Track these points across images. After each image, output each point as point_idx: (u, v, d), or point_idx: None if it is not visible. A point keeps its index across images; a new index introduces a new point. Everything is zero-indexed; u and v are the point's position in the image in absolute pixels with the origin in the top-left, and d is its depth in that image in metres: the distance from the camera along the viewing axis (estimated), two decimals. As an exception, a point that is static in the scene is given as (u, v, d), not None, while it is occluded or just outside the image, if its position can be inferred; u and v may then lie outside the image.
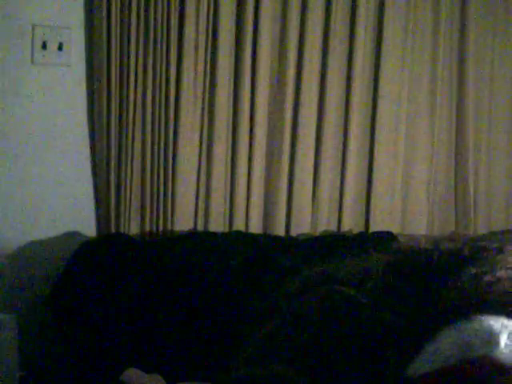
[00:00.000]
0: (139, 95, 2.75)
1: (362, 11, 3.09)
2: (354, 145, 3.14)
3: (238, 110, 2.92)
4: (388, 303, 1.78)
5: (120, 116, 2.74)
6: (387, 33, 3.17)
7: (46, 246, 2.75)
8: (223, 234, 2.87)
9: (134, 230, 2.79)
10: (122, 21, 2.69)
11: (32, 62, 2.67)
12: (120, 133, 2.75)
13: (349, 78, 3.12)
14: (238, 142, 2.93)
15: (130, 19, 2.69)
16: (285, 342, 1.83)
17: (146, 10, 2.72)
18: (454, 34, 3.36)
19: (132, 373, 2.24)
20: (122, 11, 2.69)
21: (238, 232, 2.89)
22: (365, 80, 3.18)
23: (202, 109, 2.87)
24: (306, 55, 3.01)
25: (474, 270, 1.77)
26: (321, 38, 3.05)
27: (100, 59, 2.69)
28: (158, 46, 2.74)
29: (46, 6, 2.67)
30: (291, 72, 3.00)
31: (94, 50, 2.70)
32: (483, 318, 1.59)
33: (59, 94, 2.73)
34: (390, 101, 3.21)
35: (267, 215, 3.03)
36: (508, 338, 1.55)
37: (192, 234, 2.82)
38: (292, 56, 2.99)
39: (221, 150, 2.91)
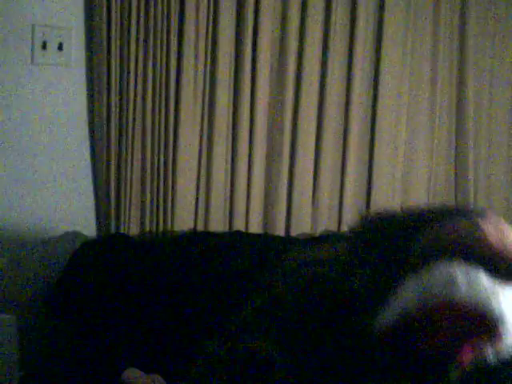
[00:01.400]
0: (139, 95, 2.75)
1: (361, 10, 3.09)
2: (353, 144, 3.14)
3: (237, 110, 2.92)
4: (357, 272, 1.81)
5: (120, 116, 2.74)
6: (387, 32, 3.17)
7: (45, 245, 2.75)
8: (223, 233, 2.87)
9: (134, 230, 2.79)
10: (121, 21, 2.69)
11: (32, 62, 2.67)
12: (120, 133, 2.75)
13: (349, 78, 3.12)
14: (237, 141, 2.93)
15: (130, 19, 2.69)
16: (263, 319, 1.87)
17: (146, 10, 2.72)
18: (454, 33, 3.36)
19: (132, 373, 2.24)
20: (121, 11, 2.69)
21: (238, 232, 2.89)
22: (365, 80, 3.17)
23: (202, 109, 2.87)
24: (306, 55, 3.01)
25: (435, 226, 1.81)
26: (321, 38, 3.05)
27: (100, 59, 2.69)
28: (158, 45, 2.74)
29: (46, 6, 2.67)
30: (291, 72, 3.00)
31: (94, 50, 2.70)
32: (441, 265, 1.67)
33: (59, 94, 2.73)
34: (390, 100, 3.21)
35: (267, 215, 3.03)
36: (465, 280, 1.62)
37: (192, 234, 2.82)
38: (292, 56, 2.99)
39: (221, 149, 2.91)
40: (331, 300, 1.81)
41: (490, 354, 1.62)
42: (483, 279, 1.65)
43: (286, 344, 1.78)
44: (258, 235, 2.91)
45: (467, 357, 1.61)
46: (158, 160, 2.80)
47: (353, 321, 1.73)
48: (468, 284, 1.64)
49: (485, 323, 1.61)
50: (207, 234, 2.83)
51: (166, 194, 2.82)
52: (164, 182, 2.81)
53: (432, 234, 1.80)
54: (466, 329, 1.62)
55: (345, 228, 3.15)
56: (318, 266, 1.94)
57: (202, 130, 2.88)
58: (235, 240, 2.75)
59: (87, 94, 2.76)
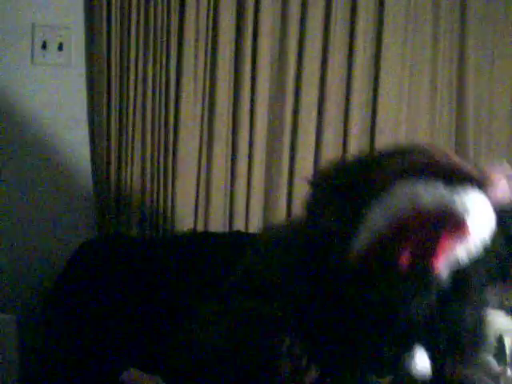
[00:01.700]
0: (139, 95, 2.75)
1: (361, 9, 3.09)
2: (353, 145, 3.14)
3: (237, 110, 2.92)
4: (324, 213, 1.90)
5: (120, 116, 2.74)
6: (387, 33, 3.17)
7: (46, 245, 2.75)
8: (223, 233, 2.87)
9: (134, 230, 2.79)
10: (122, 21, 2.69)
11: (32, 62, 2.67)
12: (120, 133, 2.75)
13: (349, 79, 3.12)
14: (237, 141, 2.93)
15: (130, 19, 2.69)
16: (252, 280, 1.93)
17: (146, 10, 2.72)
18: (454, 33, 3.36)
19: (132, 373, 2.24)
20: (121, 11, 2.69)
21: (238, 232, 2.89)
22: (365, 80, 3.17)
23: (202, 109, 2.87)
24: (306, 56, 3.01)
25: (389, 159, 1.92)
26: (321, 38, 3.05)
27: (100, 59, 2.69)
28: (158, 45, 2.74)
29: (46, 6, 2.67)
30: (291, 72, 3.00)
31: (93, 49, 2.70)
32: (402, 186, 1.78)
33: (59, 94, 2.73)
34: (389, 100, 3.21)
35: (267, 215, 3.03)
36: (427, 191, 1.74)
37: (192, 234, 2.82)
38: (292, 56, 2.99)
39: (221, 150, 2.91)
40: (305, 244, 1.89)
41: (462, 253, 1.72)
42: (442, 188, 1.76)
43: (277, 299, 1.84)
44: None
45: (441, 260, 1.70)
46: (158, 160, 2.80)
47: (331, 258, 1.80)
48: (430, 193, 1.75)
49: (453, 222, 1.70)
50: (207, 234, 2.83)
51: (165, 193, 2.82)
52: (164, 181, 2.81)
53: (388, 165, 1.89)
54: (436, 233, 1.70)
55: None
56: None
57: (201, 130, 2.88)
58: (235, 240, 2.75)
59: (87, 94, 2.76)
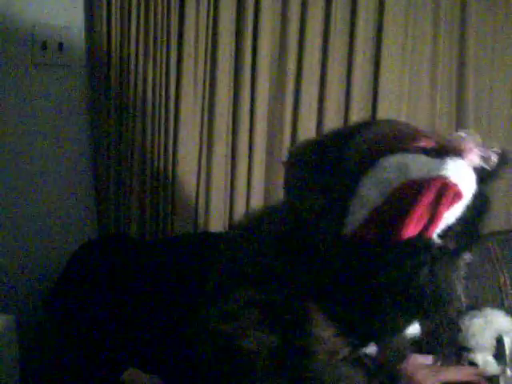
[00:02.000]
0: (139, 95, 2.75)
1: (361, 9, 3.09)
2: (354, 145, 3.14)
3: (238, 110, 2.92)
4: (304, 194, 1.95)
5: (120, 116, 2.74)
6: (387, 32, 3.17)
7: (45, 246, 2.75)
8: (223, 233, 2.86)
9: (134, 230, 2.79)
10: (122, 21, 2.69)
11: (32, 62, 2.67)
12: (120, 133, 2.75)
13: (349, 79, 3.12)
14: (238, 142, 2.94)
15: (130, 19, 2.69)
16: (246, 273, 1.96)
17: (146, 10, 2.72)
18: (454, 33, 3.36)
19: (132, 373, 2.24)
20: (121, 11, 2.69)
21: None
22: (365, 80, 3.18)
23: (202, 109, 2.87)
24: (306, 55, 3.01)
25: (361, 133, 1.98)
26: (321, 38, 3.05)
27: (100, 59, 2.69)
28: (158, 45, 2.74)
29: (46, 6, 2.67)
30: (291, 72, 3.00)
31: (94, 50, 2.70)
32: (386, 158, 1.84)
33: (59, 93, 2.73)
34: (389, 100, 3.22)
35: (267, 215, 3.03)
36: (413, 161, 1.81)
37: (192, 234, 2.82)
38: (292, 56, 2.99)
39: (221, 150, 2.91)
40: (292, 225, 1.94)
41: (451, 217, 1.81)
42: (425, 157, 1.84)
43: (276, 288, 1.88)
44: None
45: (439, 225, 1.78)
46: (158, 160, 2.80)
47: (320, 235, 1.85)
48: (417, 162, 1.82)
49: (447, 187, 1.77)
50: (207, 234, 2.83)
51: (166, 194, 2.82)
52: (164, 182, 2.81)
53: (363, 139, 1.95)
54: (430, 199, 1.76)
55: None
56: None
57: (201, 129, 2.88)
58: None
59: (87, 94, 2.76)
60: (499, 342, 2.63)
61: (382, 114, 3.18)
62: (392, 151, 1.87)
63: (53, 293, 2.61)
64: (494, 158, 1.86)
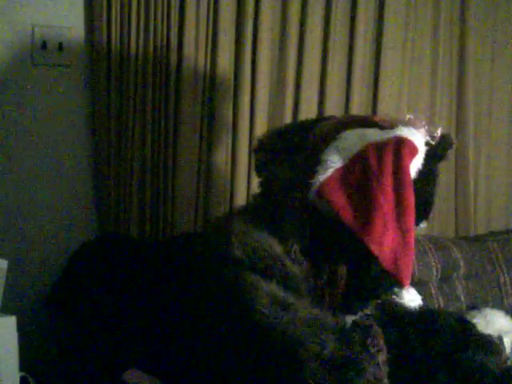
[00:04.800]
0: (139, 95, 2.75)
1: (361, 9, 3.10)
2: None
3: (238, 110, 2.92)
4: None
5: (120, 116, 2.74)
6: (387, 32, 3.18)
7: (46, 246, 2.75)
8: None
9: (134, 230, 2.78)
10: (121, 21, 2.69)
11: (32, 62, 2.67)
12: (120, 133, 2.75)
13: (349, 79, 3.13)
14: (238, 142, 2.93)
15: (130, 19, 2.69)
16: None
17: (146, 11, 2.71)
18: (454, 33, 3.37)
19: (133, 373, 2.24)
20: (121, 11, 2.69)
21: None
22: (365, 80, 3.18)
23: (202, 109, 2.87)
24: (306, 55, 3.02)
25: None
26: (321, 38, 3.06)
27: (100, 59, 2.69)
28: (158, 46, 2.74)
29: (46, 6, 2.67)
30: (291, 72, 3.00)
31: (94, 50, 2.70)
32: (346, 132, 2.14)
33: (59, 93, 2.73)
34: (389, 100, 3.22)
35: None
36: (369, 130, 2.14)
37: (192, 234, 2.82)
38: (292, 56, 2.99)
39: (221, 150, 2.91)
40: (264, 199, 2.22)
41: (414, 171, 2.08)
42: (380, 130, 2.14)
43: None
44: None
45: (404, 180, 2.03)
46: (158, 160, 2.80)
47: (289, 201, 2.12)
48: (374, 132, 2.12)
49: (401, 141, 2.06)
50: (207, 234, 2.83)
51: (166, 193, 2.82)
52: (164, 181, 2.81)
53: (324, 123, 2.28)
54: (391, 151, 2.04)
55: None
56: None
57: (201, 129, 2.88)
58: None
59: (87, 94, 2.76)
60: (499, 341, 2.63)
61: (382, 113, 3.18)
62: (351, 127, 2.15)
63: (53, 292, 2.61)
64: (438, 134, 2.13)
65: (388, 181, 2.02)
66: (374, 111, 3.19)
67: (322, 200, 2.04)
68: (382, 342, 1.83)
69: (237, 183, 2.94)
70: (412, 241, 2.02)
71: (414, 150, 2.06)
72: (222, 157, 2.91)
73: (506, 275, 3.26)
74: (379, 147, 2.05)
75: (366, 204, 2.00)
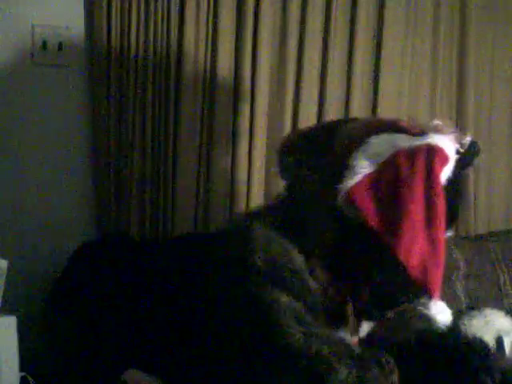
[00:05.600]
0: (139, 95, 2.75)
1: (361, 9, 3.09)
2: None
3: (238, 110, 2.92)
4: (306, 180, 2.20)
5: (120, 116, 2.74)
6: (387, 32, 3.17)
7: (45, 246, 2.74)
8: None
9: (134, 230, 2.78)
10: (121, 21, 2.69)
11: (32, 62, 2.67)
12: (120, 133, 2.75)
13: (349, 78, 3.12)
14: (238, 142, 2.93)
15: (130, 19, 2.69)
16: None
17: (146, 10, 2.71)
18: (455, 33, 3.36)
19: (132, 373, 2.24)
20: (122, 11, 2.69)
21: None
22: (365, 80, 3.18)
23: (202, 109, 2.87)
24: (306, 55, 3.01)
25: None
26: (321, 38, 3.05)
27: (100, 59, 2.69)
28: (158, 46, 2.74)
29: (46, 6, 2.67)
30: (291, 72, 3.00)
31: (93, 50, 2.70)
32: (375, 137, 2.10)
33: (59, 93, 2.73)
34: (389, 100, 3.22)
35: (267, 215, 3.03)
36: (401, 140, 2.09)
37: (192, 235, 2.82)
38: (292, 56, 2.99)
39: (221, 150, 2.91)
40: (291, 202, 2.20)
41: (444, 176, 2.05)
42: (409, 136, 2.11)
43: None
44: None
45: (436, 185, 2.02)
46: (158, 160, 2.80)
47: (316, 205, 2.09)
48: (404, 138, 2.09)
49: (432, 150, 2.03)
50: (207, 235, 2.83)
51: (166, 194, 2.82)
52: (164, 181, 2.81)
53: (351, 126, 2.24)
54: (422, 162, 2.02)
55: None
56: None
57: (201, 130, 2.88)
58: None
59: (87, 94, 2.75)
60: (499, 342, 2.63)
61: (382, 113, 3.18)
62: (379, 132, 2.10)
63: (53, 292, 2.61)
64: (467, 141, 2.12)
65: (419, 189, 1.97)
66: (374, 111, 3.19)
67: (350, 206, 2.00)
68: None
69: (237, 183, 2.94)
70: (442, 251, 1.96)
71: (445, 159, 2.02)
72: (221, 157, 2.91)
73: (505, 275, 3.26)
74: (410, 154, 2.01)
75: (395, 211, 1.95)
